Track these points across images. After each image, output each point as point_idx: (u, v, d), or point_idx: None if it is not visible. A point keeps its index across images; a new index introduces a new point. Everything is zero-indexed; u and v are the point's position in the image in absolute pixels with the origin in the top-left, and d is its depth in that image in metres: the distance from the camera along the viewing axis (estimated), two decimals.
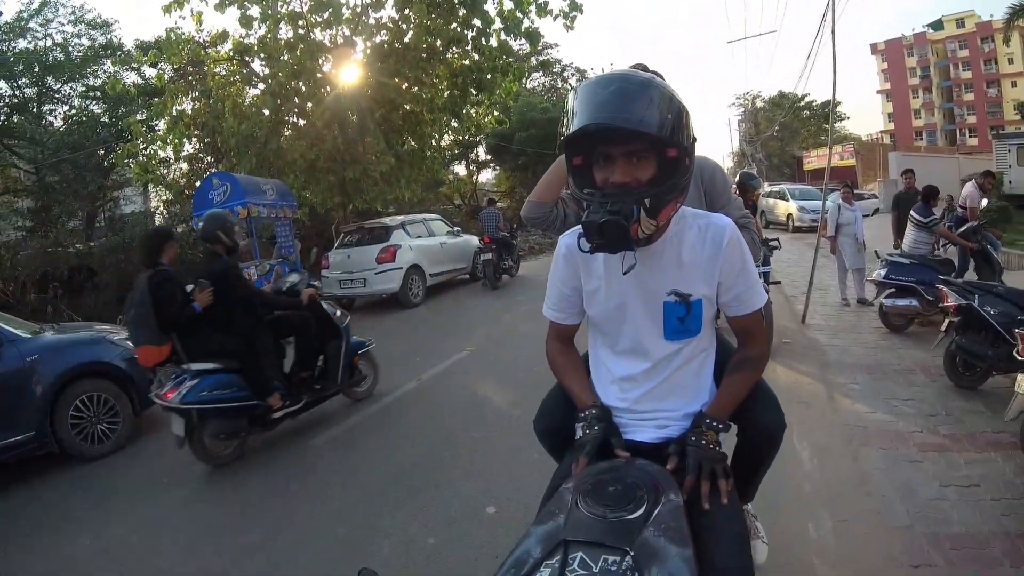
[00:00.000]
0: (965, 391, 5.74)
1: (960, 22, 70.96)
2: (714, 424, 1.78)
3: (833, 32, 8.84)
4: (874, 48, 78.88)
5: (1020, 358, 4.31)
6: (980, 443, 4.70)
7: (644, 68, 2.51)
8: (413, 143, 16.15)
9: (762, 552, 2.51)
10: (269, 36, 13.57)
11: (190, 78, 16.22)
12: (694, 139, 1.65)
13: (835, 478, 4.27)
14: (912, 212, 8.93)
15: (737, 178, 8.66)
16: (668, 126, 1.51)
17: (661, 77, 1.90)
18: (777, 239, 8.47)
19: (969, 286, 5.98)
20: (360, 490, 4.64)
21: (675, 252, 1.76)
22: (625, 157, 1.56)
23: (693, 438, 1.74)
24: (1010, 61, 59.16)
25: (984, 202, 9.64)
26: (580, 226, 1.63)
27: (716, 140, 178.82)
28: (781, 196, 25.75)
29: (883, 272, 8.00)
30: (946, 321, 6.02)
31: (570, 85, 36.43)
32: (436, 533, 3.86)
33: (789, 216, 24.13)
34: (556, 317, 2.00)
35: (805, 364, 6.90)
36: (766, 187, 27.88)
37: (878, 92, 79.19)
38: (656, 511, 1.44)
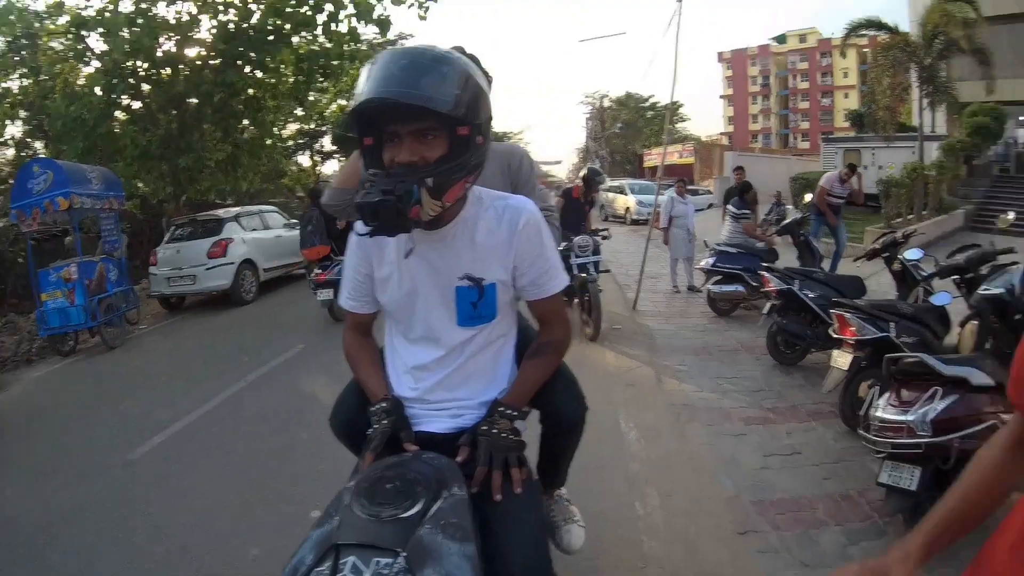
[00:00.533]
0: (787, 368, 6.09)
1: (803, 37, 78.14)
2: (508, 412, 1.71)
3: (677, 38, 9.14)
4: (720, 56, 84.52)
5: (835, 336, 4.56)
6: (801, 414, 4.96)
7: (461, 51, 2.43)
8: (254, 130, 15.38)
9: (579, 536, 2.46)
10: (109, 8, 12.45)
11: (22, 52, 14.56)
12: (489, 118, 1.57)
13: (662, 456, 4.32)
14: (728, 205, 9.55)
15: (584, 172, 8.84)
16: (459, 103, 1.41)
17: (477, 61, 1.86)
18: (608, 229, 8.69)
19: (790, 272, 6.35)
20: (179, 501, 4.20)
21: (469, 235, 1.66)
22: (413, 135, 1.45)
23: (485, 427, 1.66)
24: (844, 75, 64.82)
25: (791, 210, 10.42)
26: None
27: (568, 136, 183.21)
28: (620, 191, 26.65)
29: (711, 260, 8.40)
30: (768, 304, 6.33)
31: None
32: (261, 543, 3.52)
33: (627, 209, 24.84)
34: (351, 306, 1.87)
35: (634, 348, 7.04)
36: (608, 181, 28.83)
37: (721, 97, 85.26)
38: (435, 507, 1.37)
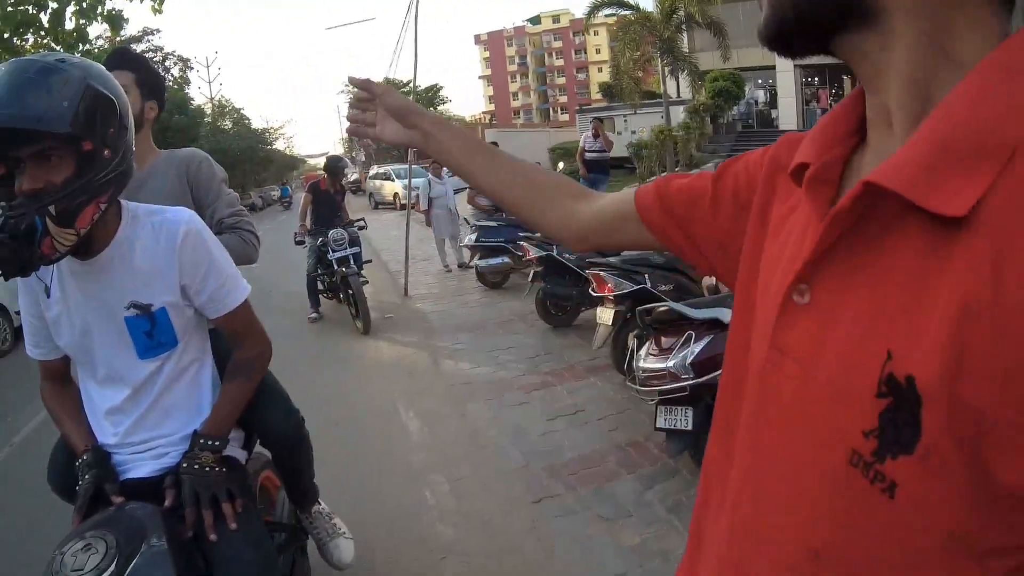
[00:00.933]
0: (561, 330, 6.21)
1: (556, 18, 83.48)
2: (211, 443, 1.57)
3: (416, 24, 9.09)
4: (477, 39, 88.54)
5: (595, 294, 4.65)
6: (580, 372, 5.04)
7: (123, 55, 2.24)
8: None
9: (348, 549, 2.37)
10: None
11: None
12: (125, 128, 1.40)
13: (447, 440, 4.21)
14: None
15: (325, 162, 8.43)
16: (75, 118, 1.24)
17: (143, 62, 1.84)
18: (363, 219, 8.36)
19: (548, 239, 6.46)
20: None
21: (127, 258, 1.49)
22: (33, 159, 1.26)
23: (185, 464, 1.53)
24: (597, 51, 69.11)
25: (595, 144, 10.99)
26: None
27: (330, 127, 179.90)
28: (387, 177, 26.33)
29: (474, 236, 8.40)
30: (532, 271, 6.40)
31: (172, 75, 33.25)
32: None
33: (396, 195, 24.54)
34: (36, 353, 1.65)
35: (409, 335, 6.89)
36: (374, 168, 28.60)
37: (480, 78, 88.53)
38: (132, 566, 1.27)
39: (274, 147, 49.83)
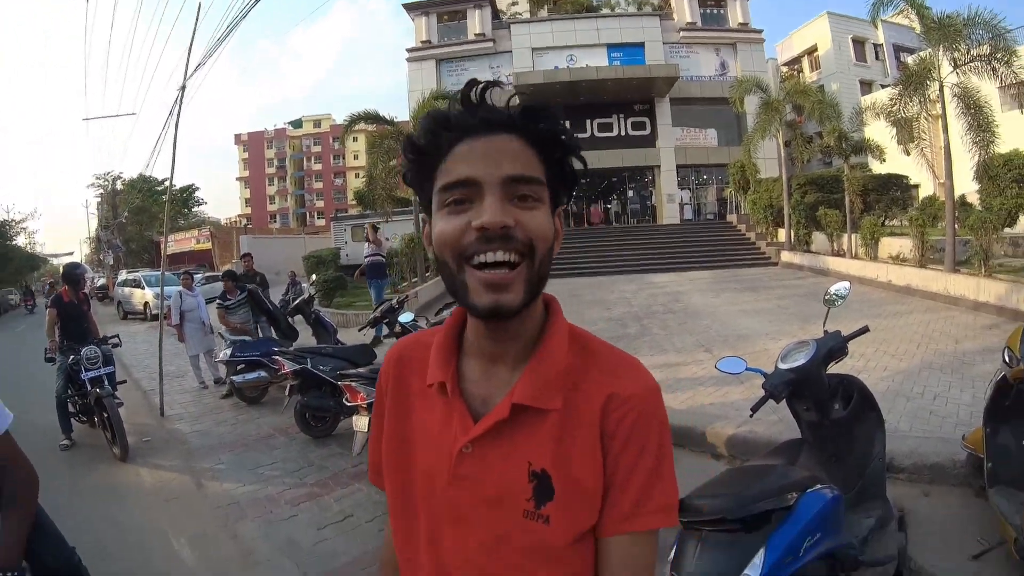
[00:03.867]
0: (322, 440, 6.48)
1: (318, 123, 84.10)
2: (8, 575, 1.58)
3: (177, 126, 9.15)
4: (238, 138, 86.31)
5: (350, 404, 5.07)
6: (344, 479, 5.33)
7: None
8: None
9: None
10: None
11: None
12: None
13: (221, 563, 4.23)
14: (218, 299, 9.90)
15: (62, 272, 8.04)
16: None
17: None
18: (117, 336, 8.05)
19: (301, 352, 6.84)
20: None
21: None
22: None
23: None
24: (355, 157, 69.57)
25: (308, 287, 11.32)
26: None
27: (75, 224, 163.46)
28: (137, 284, 24.31)
29: (228, 352, 8.46)
30: (288, 385, 6.64)
31: None
32: None
33: (146, 304, 22.88)
34: None
35: (169, 458, 6.63)
36: (123, 274, 26.73)
37: (238, 179, 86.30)
38: None
39: (14, 243, 43.77)
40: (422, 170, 0.95)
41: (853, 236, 18.24)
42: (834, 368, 3.28)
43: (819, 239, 20.44)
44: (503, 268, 0.87)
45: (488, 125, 0.91)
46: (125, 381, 8.52)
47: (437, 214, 0.92)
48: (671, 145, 31.20)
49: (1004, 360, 3.44)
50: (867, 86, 35.65)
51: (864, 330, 3.48)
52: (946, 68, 13.56)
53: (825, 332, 3.27)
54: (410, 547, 1.01)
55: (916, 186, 21.54)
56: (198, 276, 15.83)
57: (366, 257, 11.65)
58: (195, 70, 9.60)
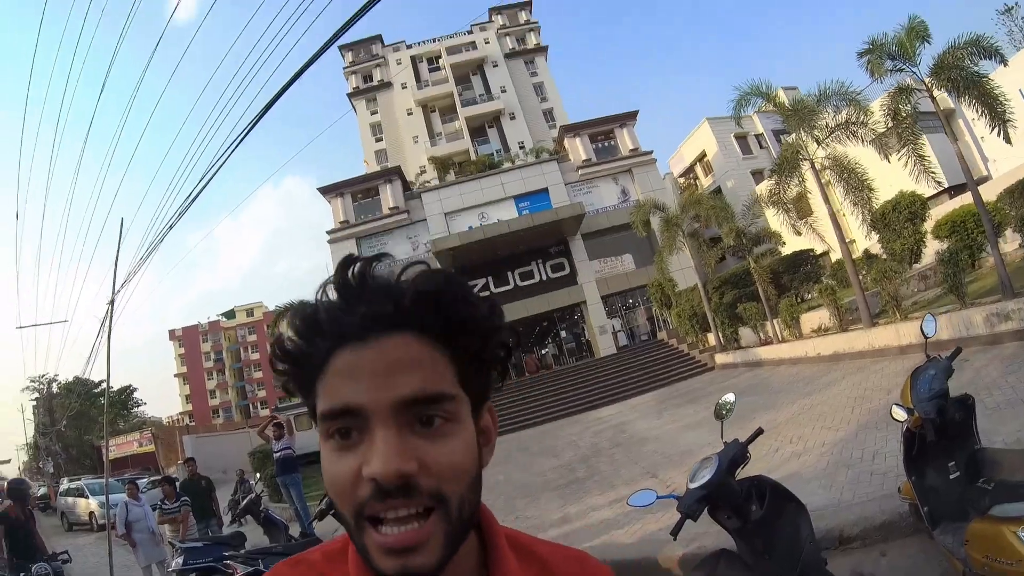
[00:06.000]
0: None
1: (250, 311, 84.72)
2: None
3: (109, 339, 9.24)
4: (172, 334, 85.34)
5: None
6: None
7: None
8: None
9: None
10: None
11: None
12: None
13: None
14: (160, 504, 9.72)
15: (7, 488, 7.83)
16: None
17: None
18: (67, 552, 7.90)
19: (253, 553, 6.79)
20: None
21: None
22: None
23: None
24: None
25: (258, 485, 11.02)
26: None
27: (10, 432, 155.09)
28: (80, 493, 22.91)
29: (180, 560, 8.15)
30: None
31: None
32: None
33: (91, 514, 21.42)
34: None
35: None
36: (65, 483, 25.50)
37: (176, 375, 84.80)
38: None
39: None
40: (301, 383, 0.75)
41: (775, 321, 18.97)
42: (743, 472, 3.48)
43: (746, 333, 21.10)
44: (410, 523, 0.67)
45: (372, 325, 0.70)
46: None
47: (324, 445, 0.72)
48: (592, 279, 32.12)
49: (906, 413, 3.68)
50: (759, 175, 37.70)
51: (759, 432, 3.68)
52: (812, 146, 14.82)
53: (724, 443, 3.46)
54: None
55: (826, 253, 22.69)
56: (143, 482, 15.25)
57: (275, 452, 11.19)
58: (122, 286, 9.81)
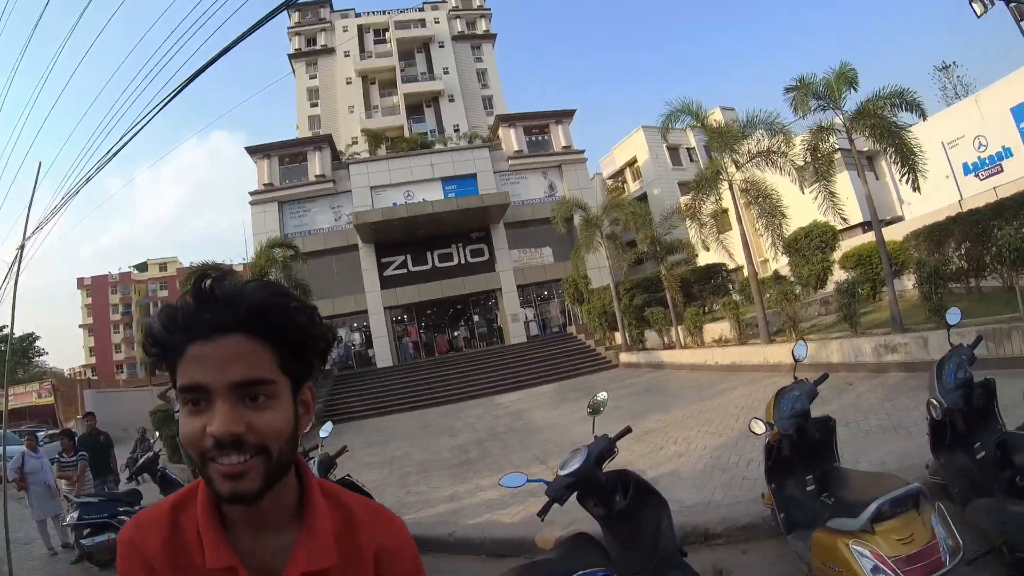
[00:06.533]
0: None
1: (164, 266, 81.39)
2: None
3: (16, 283, 9.06)
4: (80, 283, 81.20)
5: None
6: None
7: None
8: None
9: None
10: None
11: None
12: None
13: None
14: (58, 457, 9.81)
15: None
16: None
17: None
18: None
19: None
20: None
21: None
22: None
23: None
24: None
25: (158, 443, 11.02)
26: None
27: None
28: None
29: (75, 515, 8.11)
30: None
31: None
32: None
33: None
34: None
35: None
36: None
37: (81, 326, 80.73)
38: None
39: None
40: (166, 363, 1.01)
41: (679, 328, 19.74)
42: (611, 464, 3.82)
43: (652, 336, 21.85)
44: (240, 459, 0.96)
45: (216, 327, 0.97)
46: None
47: (181, 410, 0.99)
48: (509, 267, 32.49)
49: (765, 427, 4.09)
50: (685, 186, 38.09)
51: (627, 430, 4.02)
52: (732, 168, 15.49)
53: (595, 437, 3.77)
54: None
55: (738, 269, 23.52)
56: (40, 434, 14.80)
57: (175, 412, 11.34)
58: (34, 231, 9.51)
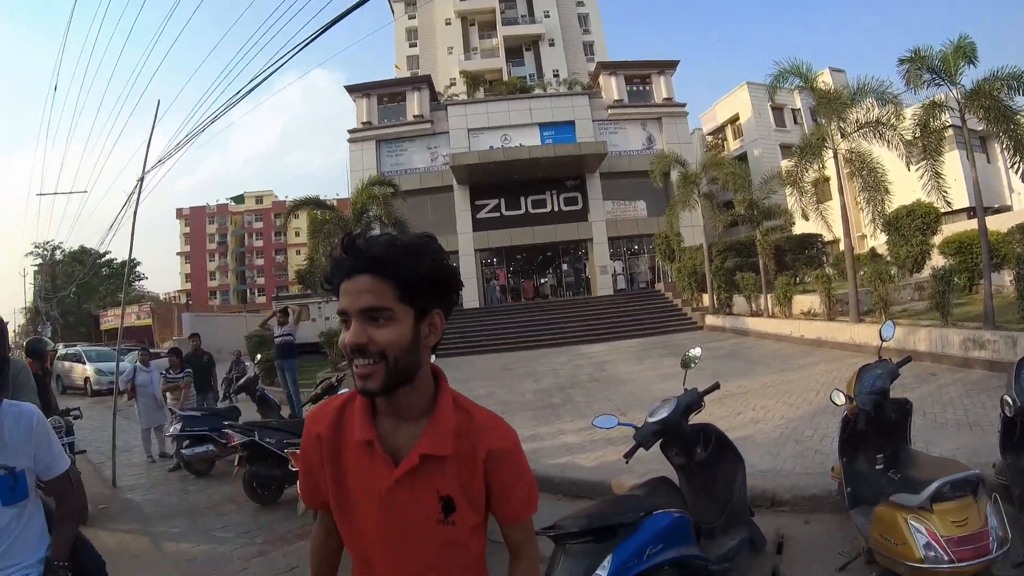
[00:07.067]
0: (270, 506, 6.95)
1: (259, 199, 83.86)
2: (61, 565, 2.35)
3: (136, 209, 9.80)
4: (179, 213, 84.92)
5: (294, 469, 5.58)
6: (290, 538, 5.81)
7: None
8: None
9: None
10: None
11: None
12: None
13: None
14: (165, 373, 10.65)
15: (27, 345, 8.35)
16: None
17: None
18: (79, 408, 8.45)
19: (249, 425, 7.38)
20: None
21: None
22: None
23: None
24: (297, 234, 68.87)
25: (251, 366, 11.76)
26: None
27: (10, 294, 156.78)
28: (77, 358, 23.86)
29: (178, 426, 8.83)
30: (237, 456, 7.12)
31: None
32: None
33: (87, 380, 22.51)
34: None
35: (126, 524, 6.93)
36: (61, 348, 26.13)
37: (178, 254, 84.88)
38: None
39: None
40: (335, 294, 1.37)
41: (768, 296, 19.30)
42: (696, 419, 3.98)
43: (740, 301, 21.43)
44: (367, 363, 1.32)
45: (353, 270, 1.32)
46: (85, 451, 8.80)
47: (342, 325, 1.38)
48: (602, 219, 32.25)
49: (845, 400, 4.16)
50: (787, 150, 36.21)
51: (715, 386, 4.17)
52: (839, 137, 14.76)
53: (685, 390, 3.94)
54: (359, 546, 1.47)
55: (834, 242, 22.82)
56: (135, 353, 16.02)
57: (276, 338, 12.16)
58: (155, 165, 10.18)
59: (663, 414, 3.70)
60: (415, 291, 1.33)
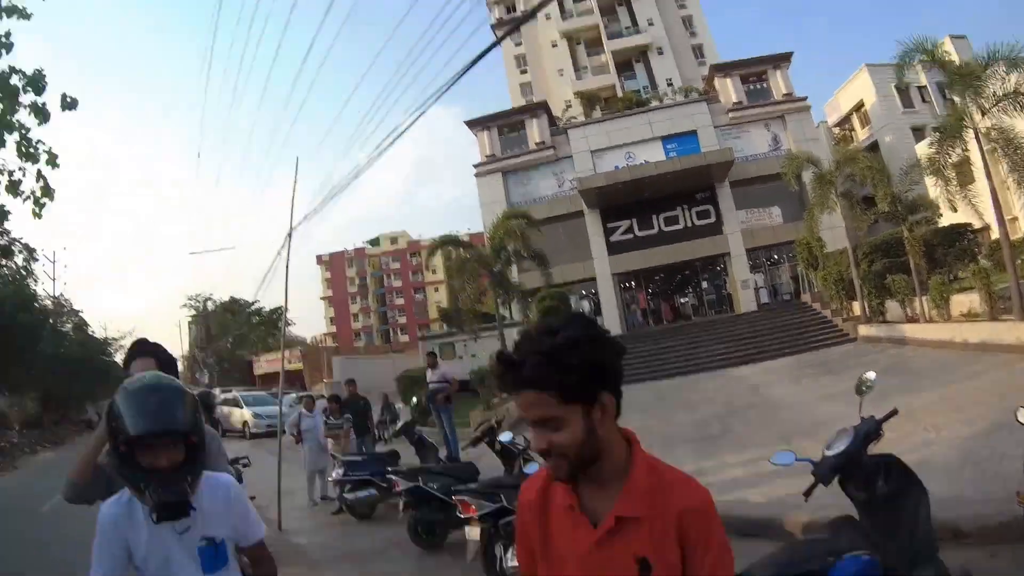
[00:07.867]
0: (434, 551, 7.11)
1: (394, 240, 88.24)
2: None
3: (288, 263, 10.55)
4: (320, 259, 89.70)
5: (461, 515, 5.76)
6: None
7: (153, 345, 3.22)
8: None
9: None
10: None
11: None
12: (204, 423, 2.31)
13: None
14: (325, 419, 11.15)
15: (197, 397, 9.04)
16: (191, 420, 2.16)
17: (164, 350, 2.80)
18: (247, 457, 8.98)
19: (413, 470, 7.63)
20: None
21: (200, 506, 2.30)
22: (164, 447, 2.10)
23: None
24: (433, 272, 71.18)
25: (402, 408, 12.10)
26: (126, 495, 2.21)
27: (169, 345, 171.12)
28: (235, 403, 25.46)
29: (341, 471, 9.27)
30: (402, 502, 7.37)
31: (15, 263, 26.87)
32: None
33: (245, 423, 24.04)
34: None
35: (295, 567, 7.20)
36: (219, 394, 27.73)
37: (322, 298, 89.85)
38: None
39: (114, 358, 43.46)
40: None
41: (923, 298, 17.70)
42: (874, 449, 3.80)
43: (892, 307, 19.85)
44: (552, 461, 1.46)
45: (514, 384, 1.43)
46: (255, 498, 9.43)
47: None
48: (737, 229, 31.09)
49: None
50: (919, 132, 33.91)
51: (894, 412, 3.95)
52: (977, 114, 13.50)
53: (861, 418, 3.78)
54: None
55: (984, 229, 20.90)
56: (291, 397, 16.88)
57: (429, 383, 12.48)
58: (301, 221, 10.96)
59: (841, 446, 3.54)
60: (576, 391, 1.40)
